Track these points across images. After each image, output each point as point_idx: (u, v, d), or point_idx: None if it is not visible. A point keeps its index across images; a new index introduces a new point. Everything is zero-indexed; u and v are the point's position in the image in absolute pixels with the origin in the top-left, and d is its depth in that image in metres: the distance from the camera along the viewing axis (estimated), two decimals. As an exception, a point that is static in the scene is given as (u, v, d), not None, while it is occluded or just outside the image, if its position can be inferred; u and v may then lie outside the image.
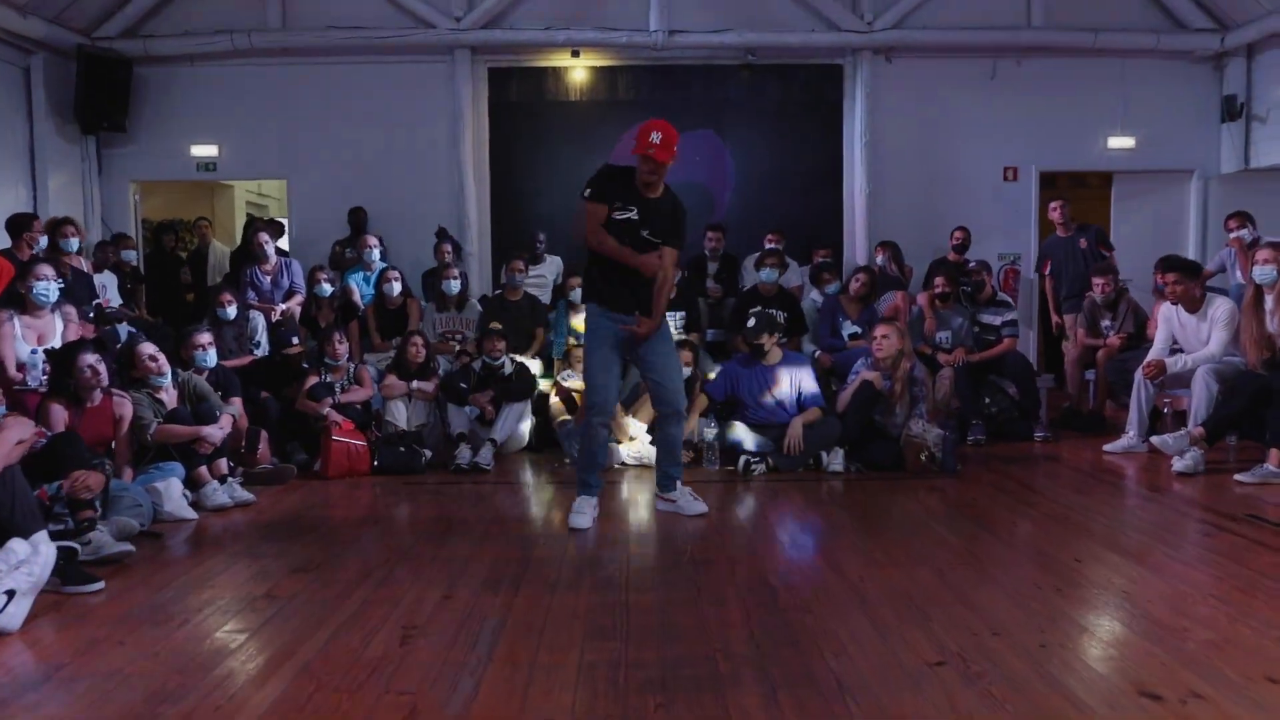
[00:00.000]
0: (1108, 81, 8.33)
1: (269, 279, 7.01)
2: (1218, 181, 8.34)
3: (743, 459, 4.91)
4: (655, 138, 3.69)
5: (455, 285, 6.37)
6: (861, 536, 3.69)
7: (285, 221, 8.76)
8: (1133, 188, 7.79)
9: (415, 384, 5.47)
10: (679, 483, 4.09)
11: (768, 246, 6.83)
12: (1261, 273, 4.79)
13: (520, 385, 5.45)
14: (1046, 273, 7.31)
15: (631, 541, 3.68)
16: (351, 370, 5.59)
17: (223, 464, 4.34)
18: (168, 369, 4.40)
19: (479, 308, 6.52)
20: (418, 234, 7.95)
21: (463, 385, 5.42)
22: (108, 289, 7.03)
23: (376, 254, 7.08)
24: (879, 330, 5.13)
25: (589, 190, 3.83)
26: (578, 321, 6.10)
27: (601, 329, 3.89)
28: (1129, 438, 5.40)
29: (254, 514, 4.15)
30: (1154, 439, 4.89)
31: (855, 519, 4.01)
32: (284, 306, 6.85)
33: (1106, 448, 5.43)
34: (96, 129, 7.89)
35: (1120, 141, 8.40)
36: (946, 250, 7.90)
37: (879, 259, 7.55)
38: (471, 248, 8.18)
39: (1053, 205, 7.32)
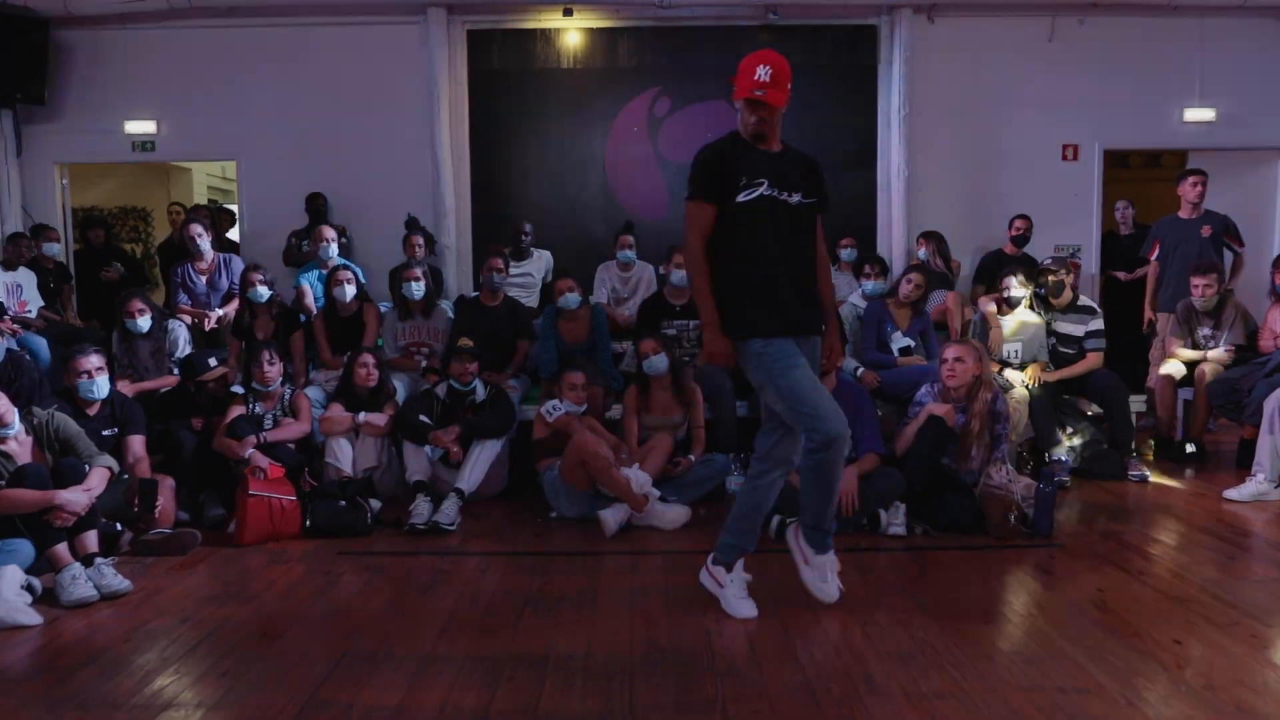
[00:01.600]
0: (1184, 45, 7.19)
1: (204, 279, 5.94)
2: (1311, 161, 7.22)
3: (775, 518, 3.84)
4: (762, 73, 2.74)
5: (419, 288, 5.26)
6: (943, 658, 2.60)
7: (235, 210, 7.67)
8: (1212, 167, 6.67)
9: (363, 416, 4.39)
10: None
11: None
12: None
13: (496, 417, 4.37)
14: (1153, 258, 6.19)
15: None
16: (287, 398, 4.52)
17: (91, 538, 3.26)
18: (12, 417, 3.31)
19: (450, 313, 5.42)
20: (386, 224, 6.85)
21: (423, 418, 4.34)
22: (23, 289, 5.98)
23: (334, 249, 6.01)
24: (951, 352, 4.04)
25: (689, 188, 2.91)
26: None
27: (778, 348, 2.81)
28: (1257, 482, 4.32)
29: (128, 610, 3.08)
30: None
31: (928, 618, 2.91)
32: (221, 313, 5.77)
33: (1229, 494, 4.35)
34: (9, 102, 6.78)
35: (1198, 114, 7.26)
36: (999, 242, 6.82)
37: (921, 252, 6.47)
38: (448, 240, 7.08)
39: (1192, 179, 6.16)
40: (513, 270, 6.31)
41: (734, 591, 2.96)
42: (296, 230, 6.80)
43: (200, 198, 10.06)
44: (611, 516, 3.79)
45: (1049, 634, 2.75)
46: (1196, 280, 5.22)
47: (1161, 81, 7.23)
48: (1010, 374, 4.92)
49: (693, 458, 4.45)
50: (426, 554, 3.69)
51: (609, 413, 4.91)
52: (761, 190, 2.80)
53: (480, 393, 4.50)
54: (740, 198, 2.80)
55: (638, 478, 3.90)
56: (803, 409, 2.73)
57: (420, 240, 6.44)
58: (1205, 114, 7.26)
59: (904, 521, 3.80)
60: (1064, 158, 7.35)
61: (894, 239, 7.13)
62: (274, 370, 4.32)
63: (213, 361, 4.38)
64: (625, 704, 2.35)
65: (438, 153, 7.03)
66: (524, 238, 6.28)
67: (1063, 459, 4.69)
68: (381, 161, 7.12)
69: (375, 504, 4.09)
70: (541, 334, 5.14)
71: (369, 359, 4.52)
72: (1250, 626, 2.77)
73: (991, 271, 6.18)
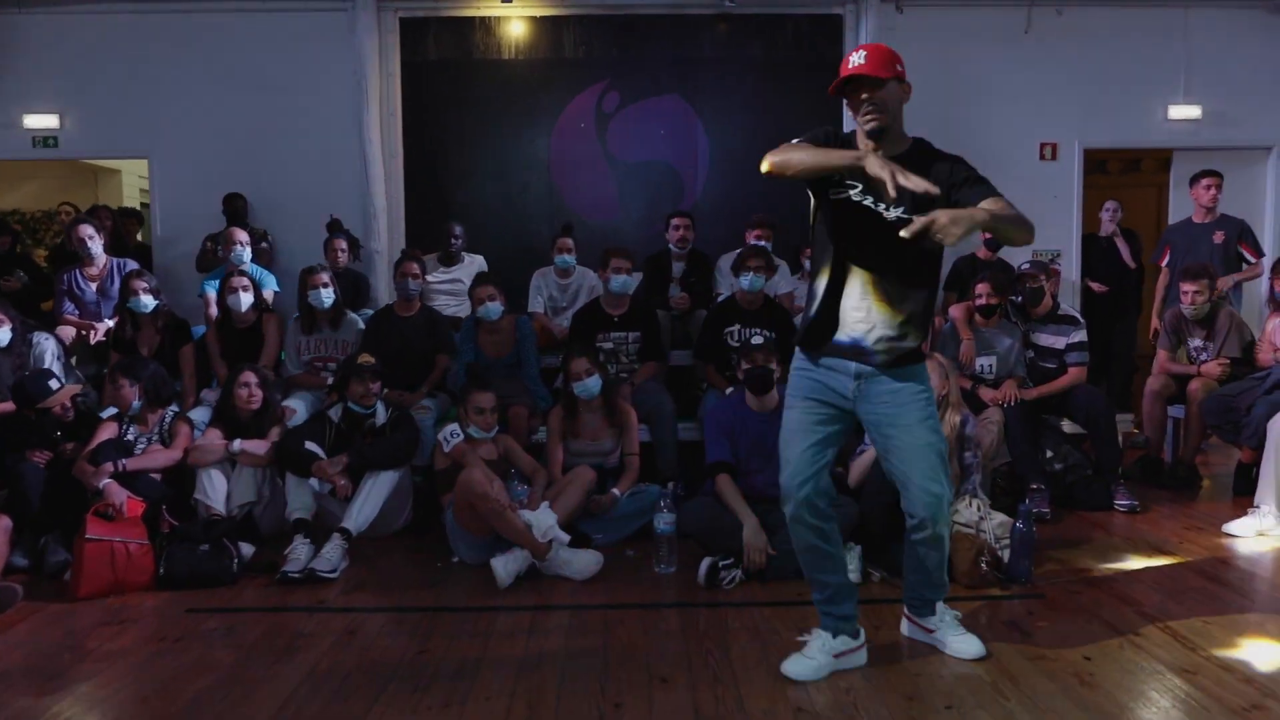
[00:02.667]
0: (1168, 37, 6.75)
1: (94, 286, 5.34)
2: (1302, 160, 6.79)
3: (706, 563, 3.28)
4: (854, 58, 2.39)
5: (327, 296, 4.69)
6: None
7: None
8: (1197, 167, 6.22)
9: (238, 444, 3.80)
10: (939, 605, 2.70)
11: (751, 243, 5.16)
12: None
13: (390, 445, 3.79)
14: (1164, 264, 5.73)
15: None
16: (167, 421, 3.94)
17: None
18: None
19: (360, 324, 4.85)
20: (312, 227, 6.29)
21: (311, 446, 3.76)
22: (-98, 299, 5.36)
23: (246, 254, 5.45)
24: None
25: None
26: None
27: (800, 381, 2.54)
28: (1261, 514, 3.82)
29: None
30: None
31: (873, 700, 2.37)
32: (110, 324, 5.17)
33: (1229, 528, 3.84)
34: (-112, 91, 6.18)
35: (1183, 111, 6.80)
36: (972, 245, 6.32)
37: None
38: (378, 244, 6.50)
39: (1206, 181, 5.76)
40: (443, 276, 5.78)
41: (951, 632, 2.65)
42: (213, 234, 6.21)
43: (131, 200, 9.44)
44: (503, 566, 3.21)
45: (1017, 716, 2.20)
46: (1186, 286, 4.73)
47: (1144, 77, 6.78)
48: (984, 392, 4.41)
49: (616, 492, 3.89)
50: (295, 610, 3.10)
51: (535, 435, 4.37)
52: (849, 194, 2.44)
53: (381, 416, 3.93)
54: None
55: (540, 521, 3.32)
56: None
57: (344, 244, 5.90)
58: (1191, 111, 6.81)
59: (859, 567, 3.26)
60: (1042, 157, 6.89)
61: (861, 244, 6.62)
62: (130, 391, 3.73)
63: (54, 384, 3.77)
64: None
65: (367, 150, 6.47)
66: (454, 241, 5.72)
67: (1042, 488, 4.17)
68: (306, 160, 6.56)
69: (247, 548, 3.50)
70: (460, 347, 4.57)
71: (250, 377, 3.94)
72: (1273, 712, 2.24)
73: (964, 277, 5.68)
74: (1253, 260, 5.47)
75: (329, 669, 2.60)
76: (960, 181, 2.42)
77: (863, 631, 2.60)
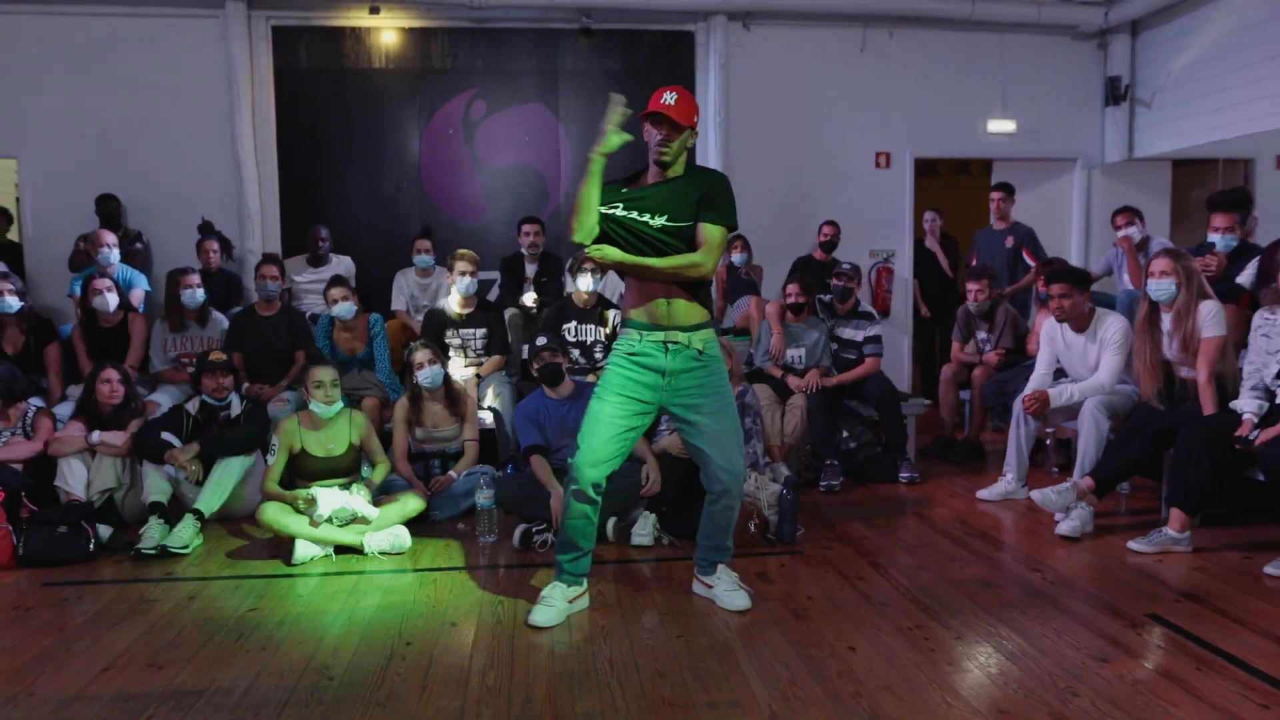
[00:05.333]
0: (987, 59, 7.50)
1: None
2: (1101, 171, 7.62)
3: (520, 529, 3.78)
4: (667, 96, 2.86)
5: (197, 295, 5.01)
6: (608, 677, 2.57)
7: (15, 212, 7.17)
8: (1013, 177, 6.98)
9: (97, 436, 4.13)
10: (720, 565, 3.19)
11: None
12: (1157, 288, 3.90)
13: (239, 434, 4.15)
14: (973, 264, 6.42)
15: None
16: (29, 416, 4.23)
17: None
18: None
19: (225, 323, 5.17)
20: (186, 229, 6.54)
21: (167, 435, 4.11)
22: None
23: (114, 255, 5.67)
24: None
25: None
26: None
27: (614, 377, 2.96)
28: (1006, 481, 4.50)
29: None
30: (1033, 494, 3.96)
31: (624, 637, 2.89)
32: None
33: (981, 494, 4.51)
34: None
35: (1000, 125, 7.58)
36: (810, 248, 6.95)
37: (735, 257, 6.51)
38: (253, 244, 6.79)
39: (992, 193, 6.54)
40: (310, 277, 6.12)
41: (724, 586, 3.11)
42: (85, 234, 6.39)
43: (5, 198, 9.39)
44: (302, 549, 3.65)
45: (734, 647, 2.75)
46: (970, 285, 5.41)
47: (967, 93, 7.51)
48: (791, 380, 5.00)
49: (453, 473, 4.35)
50: (145, 581, 3.47)
51: (386, 425, 4.77)
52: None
53: (236, 407, 4.29)
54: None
55: (338, 502, 3.72)
56: None
57: (215, 245, 6.16)
58: (1007, 125, 7.58)
59: (650, 532, 3.79)
60: (878, 165, 7.56)
61: (712, 244, 7.18)
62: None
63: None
64: None
65: (239, 153, 6.74)
66: (321, 243, 6.06)
67: (836, 464, 4.78)
68: (180, 162, 6.79)
69: (105, 530, 3.85)
70: (319, 345, 4.94)
71: (113, 374, 4.25)
72: (931, 630, 2.84)
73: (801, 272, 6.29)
74: (1031, 264, 6.20)
75: (165, 626, 2.99)
76: (709, 199, 2.86)
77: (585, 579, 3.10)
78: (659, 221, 2.83)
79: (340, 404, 3.99)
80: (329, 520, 3.67)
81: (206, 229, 6.35)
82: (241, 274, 6.61)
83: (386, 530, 3.75)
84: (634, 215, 2.84)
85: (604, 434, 2.89)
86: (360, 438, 4.06)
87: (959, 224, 7.80)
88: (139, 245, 6.58)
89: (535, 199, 7.17)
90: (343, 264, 6.17)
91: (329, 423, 4.00)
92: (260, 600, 3.22)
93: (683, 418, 2.96)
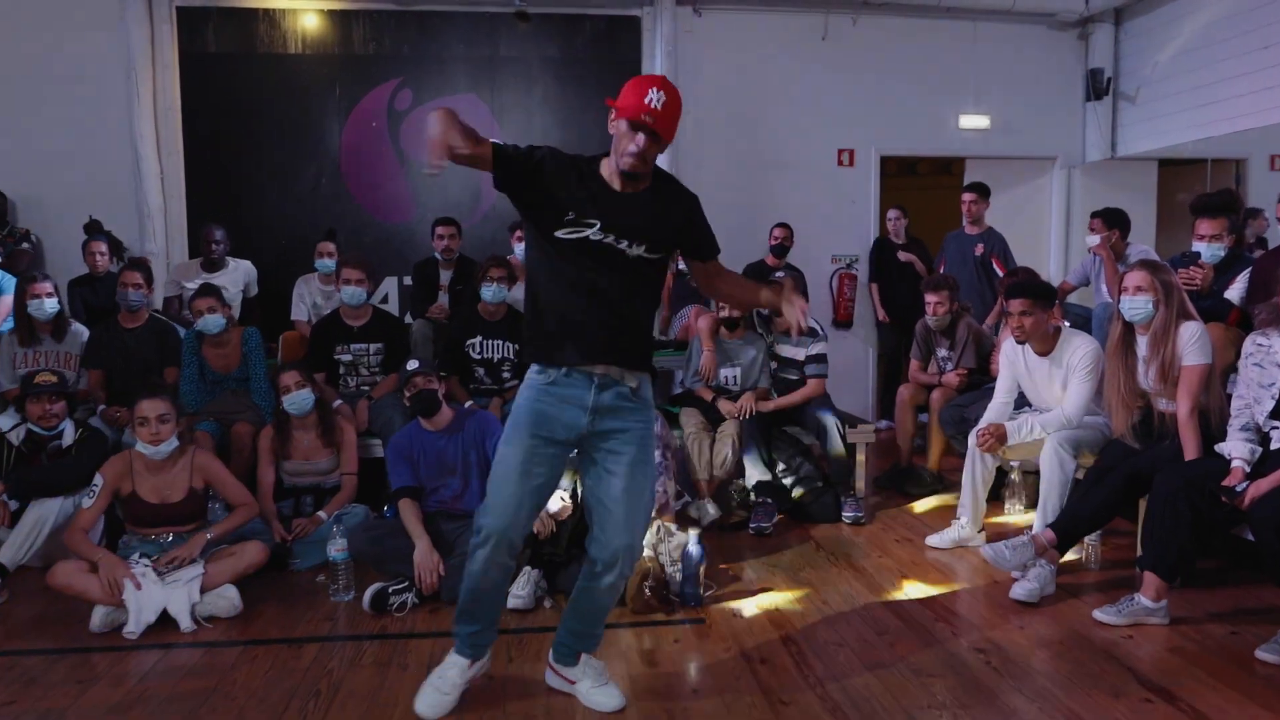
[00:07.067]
0: (958, 49, 6.94)
1: None
2: (1082, 171, 7.06)
3: (373, 589, 3.20)
4: (653, 96, 2.21)
5: (46, 306, 4.42)
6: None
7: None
8: (987, 177, 6.41)
9: (-113, 472, 3.54)
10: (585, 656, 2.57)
11: (493, 254, 4.99)
12: (1131, 306, 3.33)
13: (60, 471, 3.56)
14: (942, 270, 5.87)
15: None
16: None
17: None
18: None
19: (84, 335, 4.57)
20: (81, 227, 5.94)
21: (-23, 471, 3.52)
22: None
23: (-9, 257, 5.08)
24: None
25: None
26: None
27: (525, 414, 2.34)
28: (959, 526, 3.92)
29: None
30: (985, 551, 3.37)
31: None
32: None
33: (931, 540, 3.94)
34: None
35: (973, 121, 7.01)
36: (762, 252, 6.38)
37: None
38: (154, 246, 6.19)
39: (964, 195, 5.98)
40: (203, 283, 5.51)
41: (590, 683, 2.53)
42: (-43, 234, 5.81)
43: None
44: (100, 617, 3.06)
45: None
46: (929, 297, 4.83)
47: (937, 86, 6.95)
48: (721, 404, 4.42)
49: (322, 514, 3.77)
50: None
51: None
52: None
53: (69, 436, 3.70)
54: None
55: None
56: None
57: (103, 247, 5.54)
58: (980, 121, 7.02)
59: (531, 592, 3.20)
60: (840, 163, 7.00)
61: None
62: None
63: None
64: None
65: (139, 146, 6.15)
66: (215, 245, 5.46)
67: (768, 501, 4.20)
68: (74, 156, 6.20)
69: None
70: (184, 363, 4.35)
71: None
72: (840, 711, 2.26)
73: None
74: (1001, 274, 5.63)
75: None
76: (694, 229, 2.39)
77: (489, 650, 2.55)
78: (636, 252, 2.26)
79: (172, 443, 3.37)
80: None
81: (94, 229, 5.75)
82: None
83: (214, 591, 3.15)
84: (611, 240, 2.25)
85: (513, 487, 2.29)
86: (204, 481, 3.46)
87: (939, 230, 7.15)
88: (26, 245, 5.98)
89: (468, 199, 6.59)
90: (241, 269, 5.58)
91: (166, 465, 3.39)
92: (29, 686, 2.64)
93: (595, 461, 2.36)
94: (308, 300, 5.38)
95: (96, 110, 6.20)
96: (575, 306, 2.27)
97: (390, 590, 3.18)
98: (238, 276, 5.55)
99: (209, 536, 3.31)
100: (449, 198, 6.55)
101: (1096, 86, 6.89)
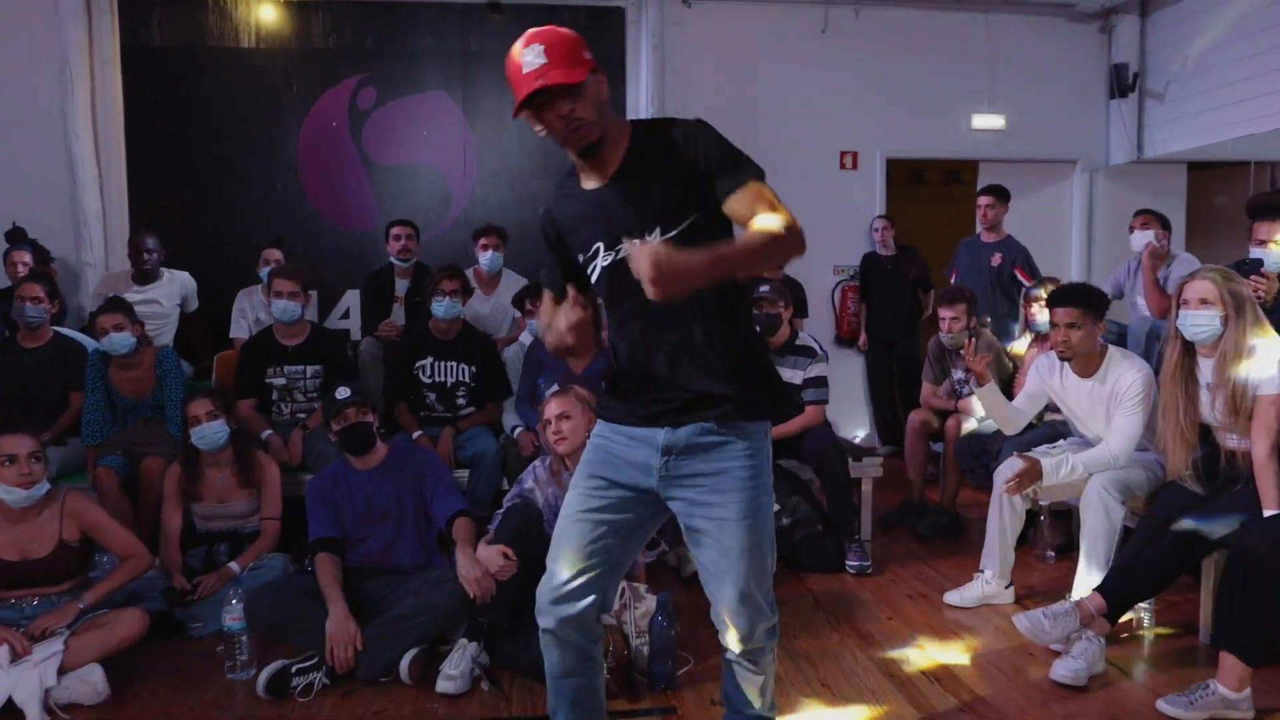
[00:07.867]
0: (971, 44, 6.40)
1: None
2: (1105, 175, 6.50)
3: (269, 669, 2.62)
4: (531, 57, 1.66)
5: (-64, 323, 3.88)
6: None
7: None
8: (1001, 181, 5.85)
9: None
10: None
11: (448, 263, 4.37)
12: (1194, 322, 2.75)
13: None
14: (953, 280, 5.30)
15: None
16: None
17: None
18: None
19: (-18, 359, 4.02)
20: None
21: None
22: None
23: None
24: (552, 408, 2.91)
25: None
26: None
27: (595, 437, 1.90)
28: (984, 580, 3.34)
29: None
30: (1019, 621, 2.78)
31: None
32: None
33: (950, 597, 3.35)
34: None
35: (986, 121, 6.47)
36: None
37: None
38: (90, 255, 5.65)
39: (981, 198, 5.45)
40: (136, 296, 4.93)
41: None
42: None
43: None
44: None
45: None
46: (943, 311, 4.28)
47: (947, 83, 6.42)
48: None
49: (233, 566, 3.20)
50: None
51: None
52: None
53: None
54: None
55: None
56: None
57: (27, 256, 5.02)
58: (994, 121, 6.47)
59: (467, 670, 2.62)
60: (842, 166, 6.46)
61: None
62: None
63: None
64: None
65: (74, 147, 5.61)
66: (147, 255, 4.90)
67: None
68: (3, 157, 5.65)
69: None
70: (88, 388, 3.79)
71: None
72: None
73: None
74: (1025, 283, 5.06)
75: None
76: (707, 161, 1.81)
77: None
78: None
79: (43, 486, 2.80)
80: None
81: (16, 236, 5.22)
82: (75, 289, 5.51)
83: (75, 673, 2.57)
84: (616, 255, 1.76)
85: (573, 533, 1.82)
86: (80, 530, 2.88)
87: (949, 244, 6.53)
88: (-51, 256, 5.45)
89: (436, 204, 6.05)
90: (177, 280, 5.02)
91: (28, 513, 2.81)
92: None
93: (680, 515, 1.83)
94: (249, 315, 4.83)
95: (26, 109, 5.67)
96: (637, 350, 1.80)
97: (294, 669, 2.61)
98: (173, 290, 5.01)
99: (81, 604, 2.73)
100: (416, 202, 6.01)
101: (1121, 83, 6.33)
